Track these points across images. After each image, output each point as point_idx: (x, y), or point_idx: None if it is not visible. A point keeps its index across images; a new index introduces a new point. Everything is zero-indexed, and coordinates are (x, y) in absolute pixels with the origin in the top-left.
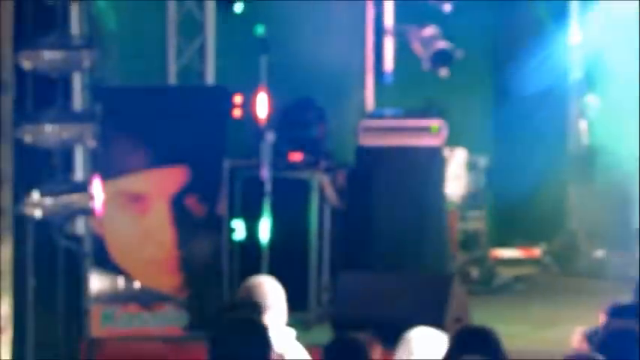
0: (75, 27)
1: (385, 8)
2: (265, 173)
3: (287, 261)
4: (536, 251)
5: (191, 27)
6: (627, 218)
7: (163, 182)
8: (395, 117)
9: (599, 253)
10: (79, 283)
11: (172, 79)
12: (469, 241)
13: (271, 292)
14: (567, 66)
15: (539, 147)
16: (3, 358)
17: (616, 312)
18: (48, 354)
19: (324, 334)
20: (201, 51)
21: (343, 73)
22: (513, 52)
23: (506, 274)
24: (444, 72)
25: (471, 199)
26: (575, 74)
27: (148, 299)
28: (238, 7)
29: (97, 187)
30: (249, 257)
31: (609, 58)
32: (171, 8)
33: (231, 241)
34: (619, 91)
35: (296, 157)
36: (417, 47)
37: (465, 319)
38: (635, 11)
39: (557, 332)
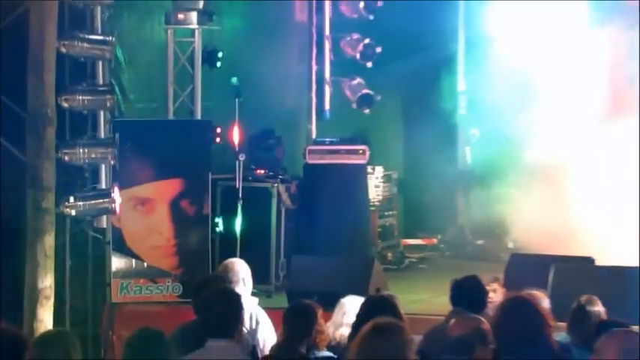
0: (100, 78)
1: (325, 65)
2: (238, 183)
3: (254, 247)
4: (434, 240)
5: (185, 78)
6: (500, 215)
7: (164, 190)
8: (332, 143)
9: (480, 242)
10: (103, 263)
11: (171, 116)
12: (385, 233)
13: (242, 270)
14: (456, 106)
15: (436, 165)
16: (47, 318)
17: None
18: (79, 315)
19: (281, 301)
20: (192, 95)
21: (295, 111)
22: (418, 96)
23: (412, 256)
24: (367, 110)
25: (387, 203)
26: (462, 112)
27: (153, 275)
28: (218, 64)
29: (116, 193)
30: (227, 244)
31: (485, 101)
32: (170, 65)
33: (213, 233)
34: (493, 125)
35: (260, 171)
36: (347, 93)
37: (383, 290)
38: (505, 65)
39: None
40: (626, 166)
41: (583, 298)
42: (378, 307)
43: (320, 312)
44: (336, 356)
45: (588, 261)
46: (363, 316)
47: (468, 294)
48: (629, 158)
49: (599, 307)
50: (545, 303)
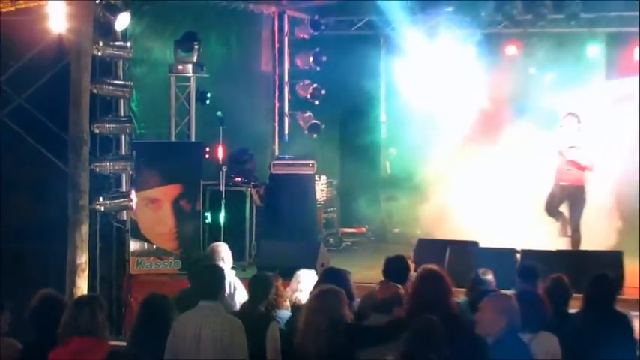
0: (121, 111)
1: (285, 102)
2: (222, 188)
3: (233, 234)
4: (363, 229)
5: (183, 111)
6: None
7: (168, 193)
8: (289, 159)
9: (396, 230)
10: (123, 246)
11: (173, 139)
12: (328, 224)
13: (224, 251)
14: (379, 132)
15: (364, 174)
16: (83, 286)
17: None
18: (106, 283)
19: (252, 273)
20: (188, 124)
21: (263, 136)
22: (351, 125)
23: (347, 241)
24: (314, 135)
25: (329, 202)
26: (383, 136)
27: (159, 254)
28: (207, 102)
29: (133, 195)
30: (213, 232)
31: (400, 128)
32: (172, 101)
33: (203, 224)
34: (405, 145)
35: (237, 179)
36: (301, 123)
37: (327, 265)
38: (413, 102)
39: (376, 271)
40: (498, 174)
41: (480, 270)
42: (335, 276)
43: (279, 281)
44: (290, 312)
45: (474, 244)
46: (321, 281)
47: (394, 268)
48: (499, 167)
49: (490, 277)
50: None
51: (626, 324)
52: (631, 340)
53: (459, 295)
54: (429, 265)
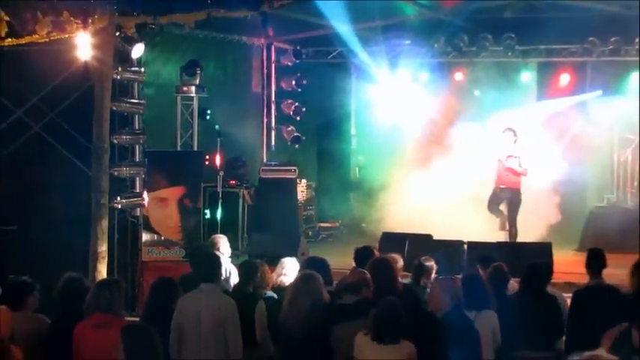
0: (136, 125)
1: (272, 118)
2: (219, 189)
3: (228, 228)
4: (337, 224)
5: (187, 126)
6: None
7: (174, 193)
8: (275, 165)
9: (364, 225)
10: (137, 237)
11: (179, 148)
12: (307, 220)
13: (221, 241)
14: (350, 143)
15: (337, 179)
16: (103, 271)
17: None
18: (122, 269)
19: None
20: (191, 136)
21: (254, 146)
22: (327, 137)
23: (324, 233)
24: (296, 146)
25: (308, 201)
26: (353, 147)
27: (167, 244)
28: (208, 117)
29: (145, 195)
30: (212, 226)
31: (368, 140)
32: (178, 117)
33: (203, 219)
34: (372, 154)
35: (232, 182)
36: (285, 135)
37: (306, 254)
38: (379, 118)
39: (349, 259)
40: (448, 178)
41: (422, 257)
42: (316, 263)
43: (265, 267)
44: (275, 295)
45: (428, 237)
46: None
47: (362, 256)
48: (449, 173)
49: (431, 263)
50: (400, 262)
51: (555, 303)
52: (559, 316)
53: (406, 278)
54: (380, 256)
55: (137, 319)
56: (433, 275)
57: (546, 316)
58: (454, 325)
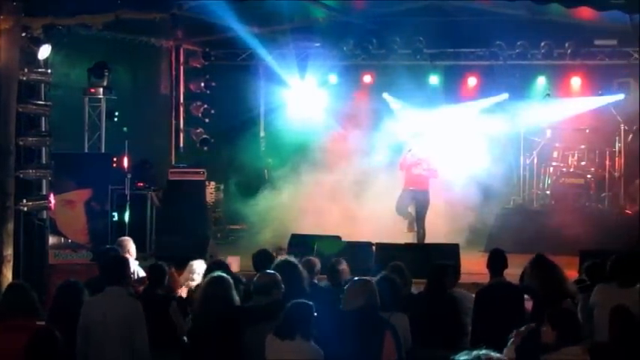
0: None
1: (180, 120)
2: (127, 191)
3: (136, 230)
4: (245, 226)
5: (94, 128)
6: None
7: (81, 195)
8: (184, 167)
9: (273, 226)
10: (43, 240)
11: (86, 150)
12: (217, 222)
13: (129, 244)
14: (259, 145)
15: (235, 180)
16: (8, 275)
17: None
18: (29, 273)
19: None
20: (99, 138)
21: (162, 148)
22: (236, 139)
23: (233, 235)
24: (205, 148)
25: (217, 203)
26: (263, 149)
27: (74, 247)
28: (115, 119)
29: (52, 197)
30: (119, 229)
31: (276, 142)
32: (86, 119)
33: (111, 222)
34: (281, 157)
35: (140, 184)
36: (194, 137)
37: (215, 256)
38: (288, 121)
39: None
40: (356, 179)
41: (333, 260)
42: (221, 266)
43: (172, 270)
44: (185, 296)
45: (337, 238)
46: (209, 270)
47: (265, 259)
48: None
49: (343, 266)
50: (318, 265)
51: (455, 303)
52: (460, 315)
53: (323, 280)
54: (285, 258)
55: (43, 323)
56: (348, 276)
57: (447, 316)
58: (368, 325)
